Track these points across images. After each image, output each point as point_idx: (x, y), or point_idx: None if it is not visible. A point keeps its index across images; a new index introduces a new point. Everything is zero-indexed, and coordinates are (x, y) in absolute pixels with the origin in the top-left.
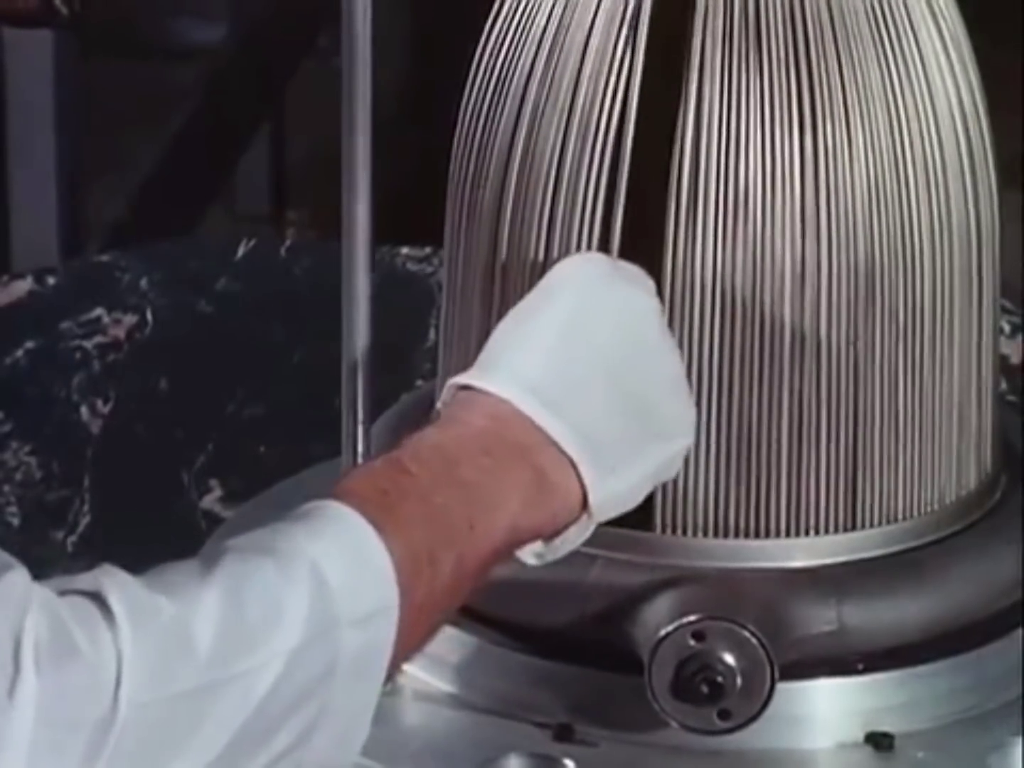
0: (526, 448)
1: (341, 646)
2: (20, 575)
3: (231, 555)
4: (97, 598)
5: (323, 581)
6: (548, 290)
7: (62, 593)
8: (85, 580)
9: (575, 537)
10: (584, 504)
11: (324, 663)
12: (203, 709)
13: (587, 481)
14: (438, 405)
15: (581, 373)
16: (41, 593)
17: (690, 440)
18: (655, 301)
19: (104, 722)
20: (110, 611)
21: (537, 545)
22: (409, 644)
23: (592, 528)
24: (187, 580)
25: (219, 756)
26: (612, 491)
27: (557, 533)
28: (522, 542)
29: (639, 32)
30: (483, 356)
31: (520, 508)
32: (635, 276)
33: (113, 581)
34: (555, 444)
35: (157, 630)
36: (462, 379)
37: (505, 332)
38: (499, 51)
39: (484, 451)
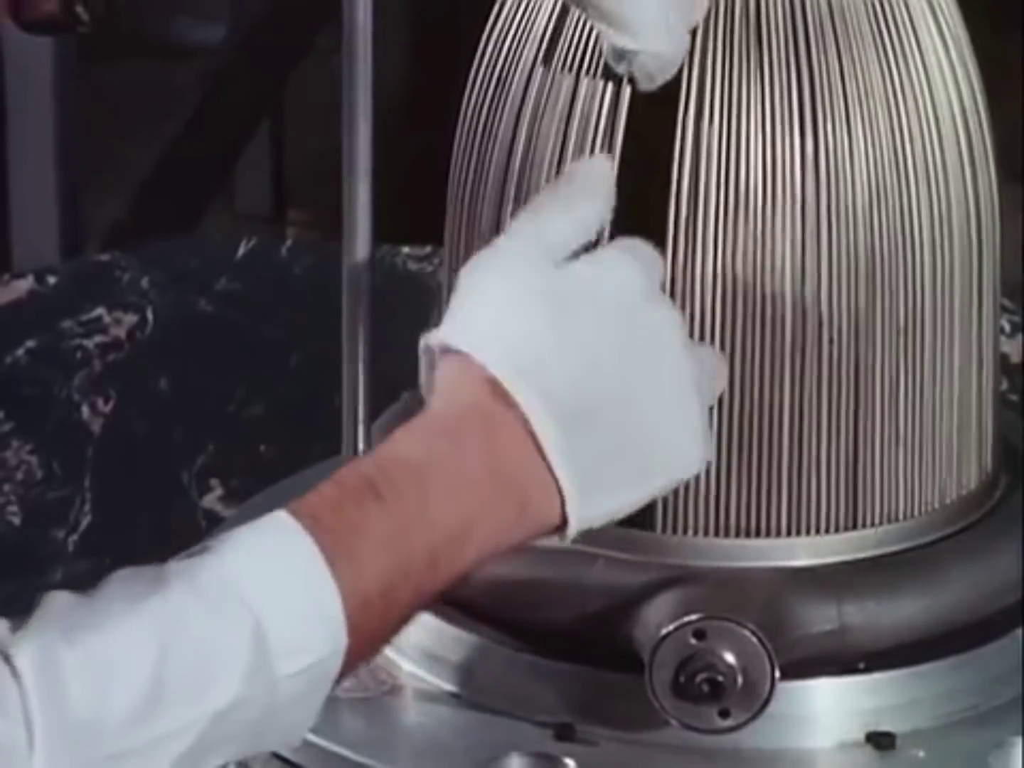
0: (516, 481)
1: (278, 695)
2: None
3: (171, 595)
4: (7, 660)
5: (264, 640)
6: (582, 293)
7: None
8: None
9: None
10: (559, 526)
11: (257, 712)
12: None
13: (571, 515)
14: (432, 342)
15: (596, 396)
16: None
17: (693, 473)
18: (681, 329)
19: None
20: (19, 676)
21: None
22: (358, 664)
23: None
24: (116, 625)
25: None
26: (591, 520)
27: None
28: (486, 562)
29: None
30: (495, 334)
31: (492, 536)
32: (662, 295)
33: (27, 640)
34: (549, 469)
35: (69, 698)
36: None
37: (531, 327)
38: (500, 50)
39: (466, 477)
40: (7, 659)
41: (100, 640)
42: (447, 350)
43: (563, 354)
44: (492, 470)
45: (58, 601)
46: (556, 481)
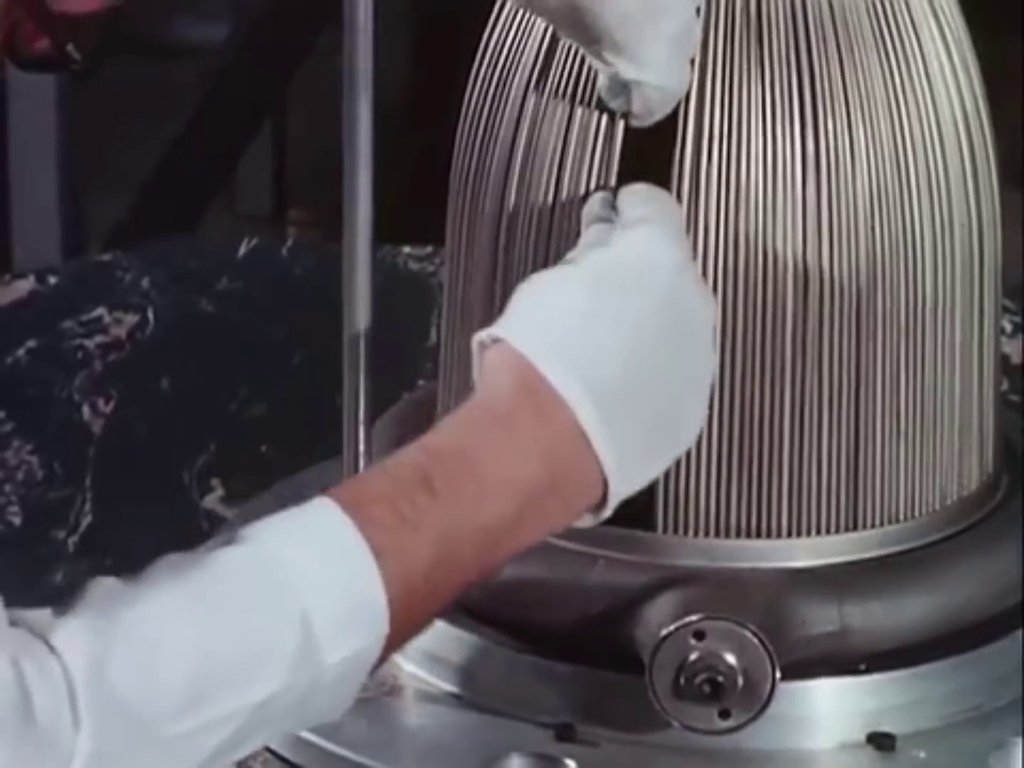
0: (564, 468)
1: (320, 681)
2: None
3: (218, 584)
4: (47, 641)
5: (310, 630)
6: (622, 274)
7: (13, 623)
8: (40, 619)
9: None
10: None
11: (298, 697)
12: (164, 757)
13: (611, 494)
14: (478, 338)
15: (634, 375)
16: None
17: (698, 434)
18: (712, 299)
19: None
20: (60, 656)
21: None
22: (397, 648)
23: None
24: (161, 612)
25: None
26: (624, 494)
27: None
28: (533, 546)
29: None
30: (537, 324)
31: (539, 522)
32: (695, 271)
33: (68, 623)
34: (596, 459)
35: (113, 678)
36: (536, 361)
37: (568, 312)
38: (501, 50)
39: (519, 467)
40: (50, 645)
41: (145, 628)
42: (492, 340)
43: (603, 333)
44: (543, 459)
45: (101, 587)
46: (599, 463)
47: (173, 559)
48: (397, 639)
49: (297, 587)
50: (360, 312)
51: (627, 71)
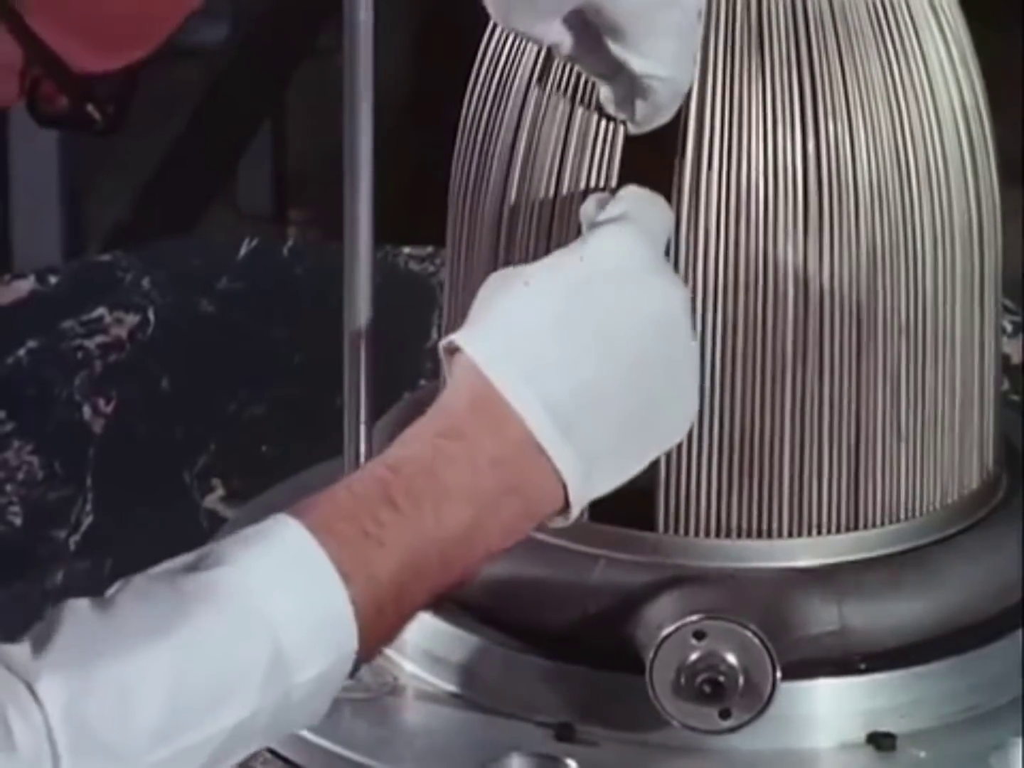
0: (522, 476)
1: (290, 699)
2: None
3: (191, 618)
4: (30, 688)
5: (281, 654)
6: (588, 278)
7: None
8: (19, 658)
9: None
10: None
11: (270, 717)
12: None
13: (573, 501)
14: (443, 345)
15: (600, 382)
16: None
17: (684, 435)
18: (686, 296)
19: None
20: (42, 704)
21: None
22: (366, 662)
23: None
24: (137, 651)
25: None
26: (592, 497)
27: None
28: (497, 556)
29: None
30: (497, 332)
31: (501, 531)
32: (667, 266)
33: (48, 668)
34: (554, 468)
35: (92, 724)
36: (487, 369)
37: (530, 320)
38: (501, 50)
39: (476, 477)
40: (30, 687)
41: (121, 668)
42: (455, 350)
43: (564, 340)
44: (500, 468)
45: (75, 618)
46: (557, 472)
47: (143, 585)
48: (366, 654)
49: (265, 611)
50: (360, 312)
51: (640, 65)
